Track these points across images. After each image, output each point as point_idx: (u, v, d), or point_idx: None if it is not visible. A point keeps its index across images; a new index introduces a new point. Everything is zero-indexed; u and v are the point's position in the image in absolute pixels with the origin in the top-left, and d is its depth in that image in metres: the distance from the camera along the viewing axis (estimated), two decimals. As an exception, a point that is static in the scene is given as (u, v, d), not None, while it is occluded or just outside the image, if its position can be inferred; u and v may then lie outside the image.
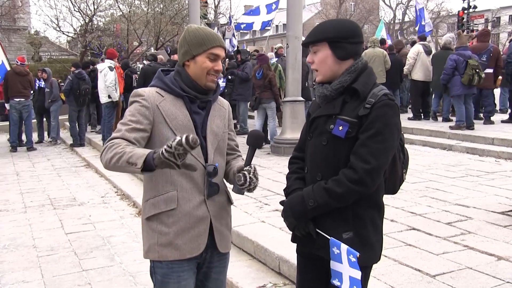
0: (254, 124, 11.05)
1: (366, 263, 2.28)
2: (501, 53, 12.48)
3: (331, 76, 2.30)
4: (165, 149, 1.93)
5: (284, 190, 2.50)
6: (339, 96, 2.28)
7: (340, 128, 2.21)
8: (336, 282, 2.20)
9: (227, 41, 20.26)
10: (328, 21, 2.40)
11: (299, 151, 2.53)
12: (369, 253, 2.27)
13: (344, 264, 2.15)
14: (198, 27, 2.38)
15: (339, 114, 2.24)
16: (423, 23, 16.98)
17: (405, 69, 12.77)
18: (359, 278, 2.12)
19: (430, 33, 16.00)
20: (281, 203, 2.40)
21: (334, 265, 2.20)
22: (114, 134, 2.26)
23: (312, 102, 2.57)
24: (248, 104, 12.22)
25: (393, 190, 2.44)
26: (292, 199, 2.31)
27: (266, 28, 21.02)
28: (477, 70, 10.00)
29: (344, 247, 2.12)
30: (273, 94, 10.24)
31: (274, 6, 19.96)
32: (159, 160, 1.96)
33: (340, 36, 2.26)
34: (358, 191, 2.15)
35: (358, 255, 2.08)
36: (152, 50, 23.74)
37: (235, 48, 17.86)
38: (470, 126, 10.37)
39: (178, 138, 1.91)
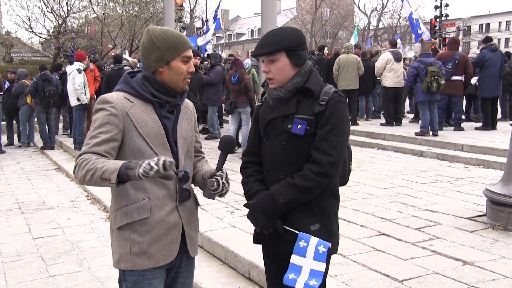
0: (228, 128, 11.03)
1: (332, 252, 2.39)
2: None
3: (285, 82, 2.41)
4: (142, 174, 1.97)
5: (244, 194, 2.55)
6: (293, 97, 2.41)
7: (299, 126, 2.34)
8: (291, 275, 2.24)
9: (204, 45, 20.23)
10: (279, 30, 2.49)
11: (250, 155, 2.60)
12: (334, 242, 2.38)
13: (307, 257, 2.23)
14: (163, 30, 2.33)
15: (295, 113, 2.37)
16: (419, 31, 17.00)
17: (376, 75, 13.06)
18: (322, 270, 2.21)
19: (429, 40, 16.06)
20: (246, 205, 2.44)
21: (294, 259, 2.26)
22: (83, 148, 2.22)
23: (259, 106, 2.63)
24: (216, 108, 12.24)
25: (344, 181, 2.60)
26: (261, 198, 2.37)
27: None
28: (436, 77, 10.20)
29: (314, 240, 2.22)
30: (248, 99, 10.25)
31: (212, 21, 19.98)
32: (135, 177, 2.00)
33: (295, 45, 2.39)
34: (323, 182, 2.30)
35: (330, 246, 2.20)
36: (127, 52, 23.50)
37: (207, 52, 17.76)
38: (434, 132, 10.56)
39: (155, 167, 1.94)
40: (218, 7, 20.44)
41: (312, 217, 2.35)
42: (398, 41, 18.18)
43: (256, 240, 2.54)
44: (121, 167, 2.01)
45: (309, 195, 2.32)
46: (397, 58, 12.60)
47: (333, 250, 2.39)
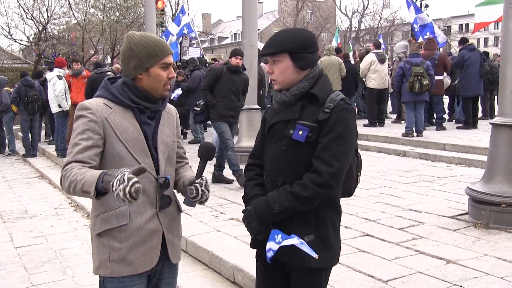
0: (211, 132, 11.00)
1: (327, 264, 2.35)
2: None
3: (289, 84, 2.34)
4: (114, 190, 1.94)
5: (242, 197, 2.51)
6: (298, 102, 2.32)
7: (300, 132, 2.26)
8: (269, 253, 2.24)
9: (186, 49, 19.92)
10: (286, 31, 2.41)
11: (255, 158, 2.54)
12: (330, 254, 2.33)
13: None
14: (142, 36, 2.30)
15: (298, 119, 2.29)
16: (436, 33, 16.40)
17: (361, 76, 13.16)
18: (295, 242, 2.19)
19: (443, 45, 15.63)
20: (244, 211, 2.39)
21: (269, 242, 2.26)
22: (67, 158, 2.21)
23: (268, 108, 2.58)
24: None
25: (349, 192, 2.50)
26: (257, 204, 2.31)
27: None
28: (419, 77, 10.28)
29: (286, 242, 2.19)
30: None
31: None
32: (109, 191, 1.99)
33: (300, 47, 2.30)
34: (323, 193, 2.22)
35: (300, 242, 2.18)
36: (109, 58, 23.36)
37: (193, 56, 17.51)
38: (419, 133, 10.65)
39: (121, 195, 1.91)
40: (182, 9, 19.46)
41: (307, 227, 2.27)
42: (381, 40, 18.12)
43: (253, 245, 2.48)
44: (97, 181, 2.01)
45: (306, 205, 2.24)
46: (381, 59, 12.70)
47: (334, 262, 2.37)
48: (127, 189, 1.90)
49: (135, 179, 1.92)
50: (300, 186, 2.22)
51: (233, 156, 7.43)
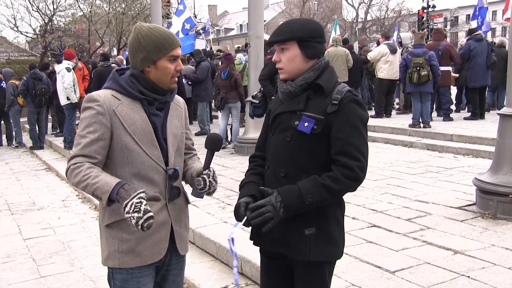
0: (219, 124, 11.01)
1: (330, 259, 2.34)
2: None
3: (296, 74, 2.31)
4: (126, 212, 2.03)
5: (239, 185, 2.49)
6: (303, 93, 2.31)
7: (306, 124, 2.24)
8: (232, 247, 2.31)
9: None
10: (294, 20, 2.39)
11: (259, 150, 2.53)
12: (333, 248, 2.31)
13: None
14: (150, 28, 2.29)
15: (304, 110, 2.27)
16: (486, 20, 16.37)
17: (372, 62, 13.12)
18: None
19: (486, 32, 15.50)
20: (262, 202, 2.21)
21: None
22: (74, 150, 2.23)
23: (273, 99, 2.56)
24: (206, 104, 12.22)
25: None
26: (287, 193, 2.19)
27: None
28: (418, 68, 10.24)
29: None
30: (238, 94, 10.24)
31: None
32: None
33: (309, 36, 2.28)
34: (353, 186, 2.24)
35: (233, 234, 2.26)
36: (115, 50, 23.34)
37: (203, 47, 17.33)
38: (425, 124, 10.60)
39: (134, 224, 2.01)
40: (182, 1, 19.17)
41: (308, 220, 2.25)
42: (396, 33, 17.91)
43: (252, 237, 2.45)
44: (112, 192, 2.08)
45: (336, 198, 2.26)
46: (393, 50, 12.61)
47: (336, 256, 2.35)
48: (141, 221, 2.00)
49: (150, 213, 2.01)
50: (331, 179, 2.19)
51: None
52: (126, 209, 2.00)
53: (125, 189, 2.06)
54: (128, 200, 2.01)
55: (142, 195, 2.03)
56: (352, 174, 2.19)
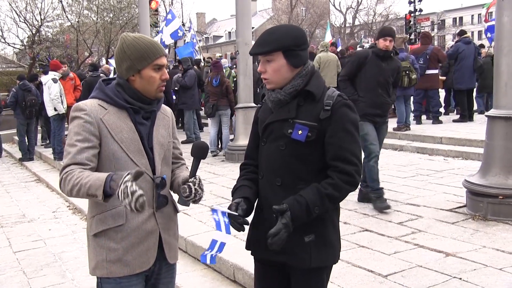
0: (209, 131, 11.01)
1: (327, 263, 2.34)
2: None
3: (283, 83, 2.29)
4: (119, 196, 1.98)
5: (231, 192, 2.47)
6: (293, 100, 2.29)
7: (300, 132, 2.23)
8: (206, 252, 2.27)
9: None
10: (276, 28, 2.33)
11: (249, 158, 2.52)
12: (331, 253, 2.32)
13: (222, 231, 2.21)
14: (135, 38, 2.30)
15: (296, 118, 2.25)
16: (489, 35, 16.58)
17: None
18: (227, 242, 2.23)
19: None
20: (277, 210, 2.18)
21: (214, 234, 2.25)
22: (65, 160, 2.22)
23: (260, 107, 2.51)
24: (193, 112, 12.18)
25: None
26: (297, 210, 2.16)
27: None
28: (407, 72, 10.31)
29: (220, 212, 2.21)
30: (229, 101, 10.27)
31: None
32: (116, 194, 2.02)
33: (294, 44, 2.25)
34: (351, 191, 2.26)
35: (227, 213, 2.19)
36: (103, 60, 23.28)
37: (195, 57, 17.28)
38: (406, 127, 10.74)
39: (127, 204, 1.94)
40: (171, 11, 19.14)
41: (308, 227, 2.24)
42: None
43: (248, 247, 2.45)
44: (105, 184, 2.04)
45: (335, 205, 2.30)
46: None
47: (334, 260, 2.35)
48: (132, 204, 1.94)
49: (139, 192, 1.95)
50: (333, 187, 2.20)
51: (376, 170, 5.80)
52: (120, 199, 1.97)
53: (114, 180, 2.04)
54: (118, 190, 1.98)
55: (126, 178, 1.97)
56: (351, 180, 2.22)
